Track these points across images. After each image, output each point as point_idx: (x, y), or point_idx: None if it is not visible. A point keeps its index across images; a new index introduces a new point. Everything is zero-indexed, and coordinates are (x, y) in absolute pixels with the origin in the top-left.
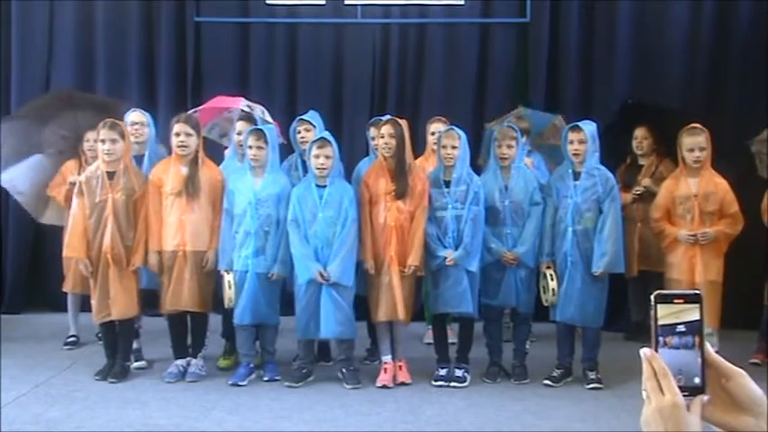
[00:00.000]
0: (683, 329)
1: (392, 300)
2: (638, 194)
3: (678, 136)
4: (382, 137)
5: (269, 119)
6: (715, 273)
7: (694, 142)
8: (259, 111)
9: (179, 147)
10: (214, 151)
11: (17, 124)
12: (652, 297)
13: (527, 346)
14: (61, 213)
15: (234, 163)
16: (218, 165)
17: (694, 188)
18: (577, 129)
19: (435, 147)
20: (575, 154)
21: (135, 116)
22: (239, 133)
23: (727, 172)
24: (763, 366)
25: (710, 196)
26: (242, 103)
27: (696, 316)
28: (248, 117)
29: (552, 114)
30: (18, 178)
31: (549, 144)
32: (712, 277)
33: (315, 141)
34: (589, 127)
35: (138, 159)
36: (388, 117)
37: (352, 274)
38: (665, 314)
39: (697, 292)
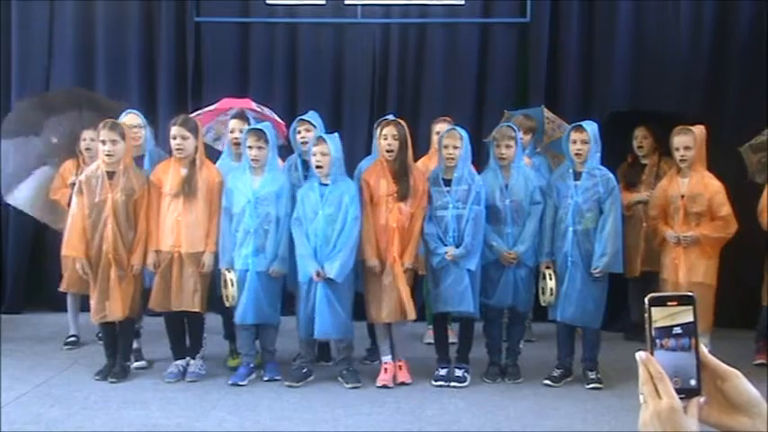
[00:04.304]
0: (679, 331)
1: (397, 300)
2: (644, 202)
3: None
4: (384, 138)
5: (278, 119)
6: (701, 274)
7: (680, 141)
8: (267, 111)
9: (176, 150)
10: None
11: (27, 106)
12: (646, 300)
13: (521, 346)
14: (33, 203)
15: (228, 162)
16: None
17: (683, 188)
18: (580, 129)
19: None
20: (577, 154)
21: (130, 119)
22: (233, 131)
23: (726, 172)
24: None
25: (698, 197)
26: (252, 105)
27: (691, 318)
28: (242, 115)
29: (536, 108)
30: (26, 196)
31: (555, 138)
32: (698, 279)
33: (313, 140)
34: (591, 127)
35: (137, 160)
36: (391, 118)
37: (349, 273)
38: (660, 317)
39: (690, 294)
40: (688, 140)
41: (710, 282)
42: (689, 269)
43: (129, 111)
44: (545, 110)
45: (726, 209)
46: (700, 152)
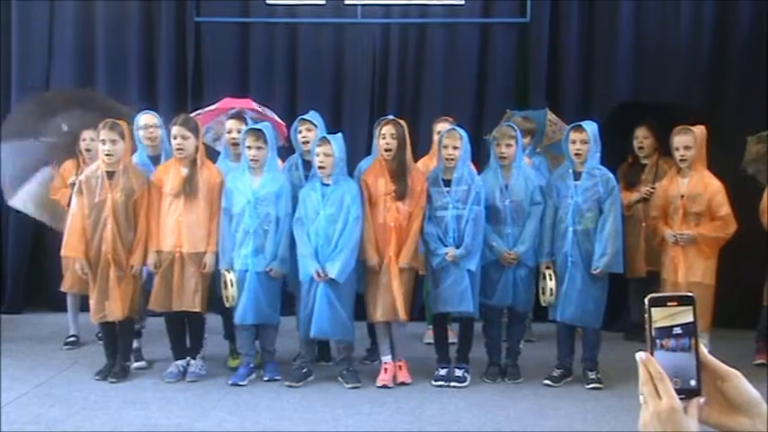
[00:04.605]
0: (680, 332)
1: (390, 300)
2: (648, 196)
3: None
4: (383, 137)
5: (278, 119)
6: (700, 274)
7: (680, 141)
8: (269, 113)
9: (176, 149)
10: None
11: (28, 107)
12: (646, 300)
13: (521, 346)
14: (34, 204)
15: (227, 162)
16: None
17: (683, 188)
18: (580, 129)
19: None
20: (576, 154)
21: (147, 118)
22: (230, 131)
23: (727, 172)
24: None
25: (697, 197)
26: (253, 105)
27: (691, 318)
28: (239, 115)
29: (540, 110)
30: (27, 198)
31: (556, 141)
32: (696, 279)
33: (316, 140)
34: (591, 127)
35: (155, 160)
36: (390, 117)
37: (350, 272)
38: (660, 317)
39: (689, 294)
40: (688, 140)
41: (709, 282)
42: (687, 269)
43: (145, 111)
44: (549, 113)
45: (725, 209)
46: (700, 152)
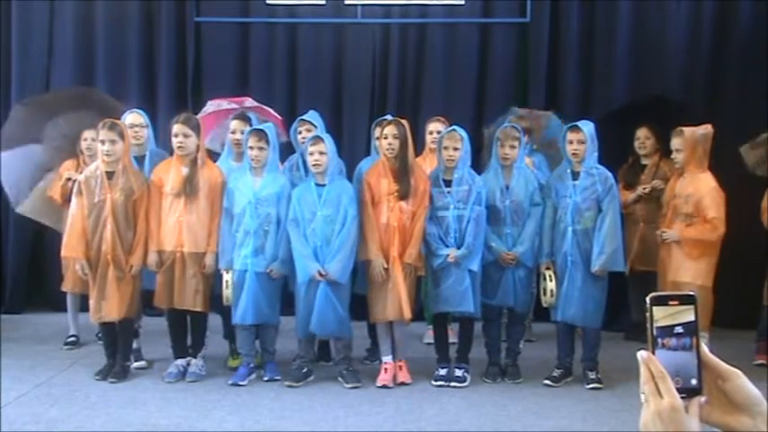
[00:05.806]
0: (681, 330)
1: (397, 300)
2: (646, 193)
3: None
4: (385, 137)
5: (276, 114)
6: (690, 275)
7: (673, 143)
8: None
9: (178, 148)
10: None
11: (25, 111)
12: (647, 299)
13: (520, 346)
14: (38, 208)
15: (228, 162)
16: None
17: (678, 188)
18: (576, 129)
19: (435, 147)
20: (574, 154)
21: (133, 118)
22: (234, 132)
23: (727, 172)
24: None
25: (688, 198)
26: (247, 103)
27: (692, 317)
28: (243, 116)
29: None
30: (8, 161)
31: (543, 129)
32: (686, 279)
33: (309, 140)
34: (588, 127)
35: (139, 160)
36: (391, 117)
37: (349, 273)
38: (662, 316)
39: (691, 293)
40: (677, 143)
41: (702, 282)
42: (676, 269)
43: (132, 110)
44: (517, 109)
45: (713, 212)
46: (692, 153)
